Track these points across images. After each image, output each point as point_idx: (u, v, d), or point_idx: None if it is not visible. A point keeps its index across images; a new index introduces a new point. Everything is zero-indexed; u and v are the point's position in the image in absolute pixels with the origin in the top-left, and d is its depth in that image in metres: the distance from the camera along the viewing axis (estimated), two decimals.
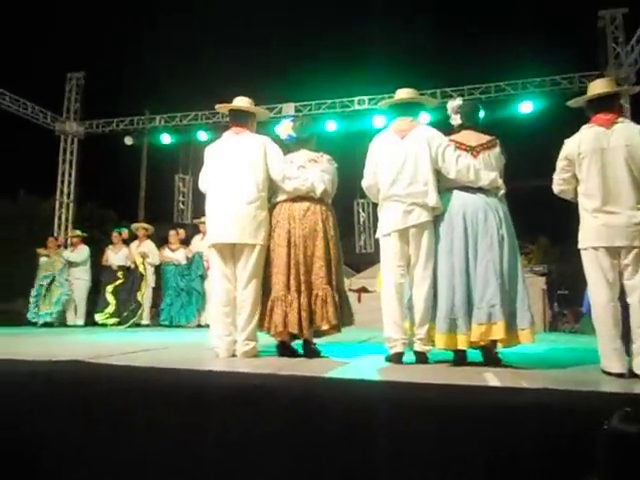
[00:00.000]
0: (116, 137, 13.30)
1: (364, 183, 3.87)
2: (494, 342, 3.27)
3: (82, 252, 9.40)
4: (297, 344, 3.82)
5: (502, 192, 3.63)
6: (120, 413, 2.40)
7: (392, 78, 12.02)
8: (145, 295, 8.96)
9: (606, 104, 3.29)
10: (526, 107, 11.03)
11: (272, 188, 3.90)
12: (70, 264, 9.22)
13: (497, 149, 3.75)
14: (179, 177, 13.05)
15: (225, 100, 4.18)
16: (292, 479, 2.18)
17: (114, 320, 8.82)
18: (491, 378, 2.69)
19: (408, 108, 3.93)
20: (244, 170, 3.77)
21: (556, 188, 3.49)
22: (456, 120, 3.89)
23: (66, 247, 10.23)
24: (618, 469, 1.53)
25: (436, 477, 2.04)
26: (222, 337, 3.66)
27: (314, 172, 3.83)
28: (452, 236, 3.41)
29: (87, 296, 9.37)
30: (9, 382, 2.56)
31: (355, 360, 3.74)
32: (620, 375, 2.90)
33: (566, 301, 11.44)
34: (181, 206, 13.06)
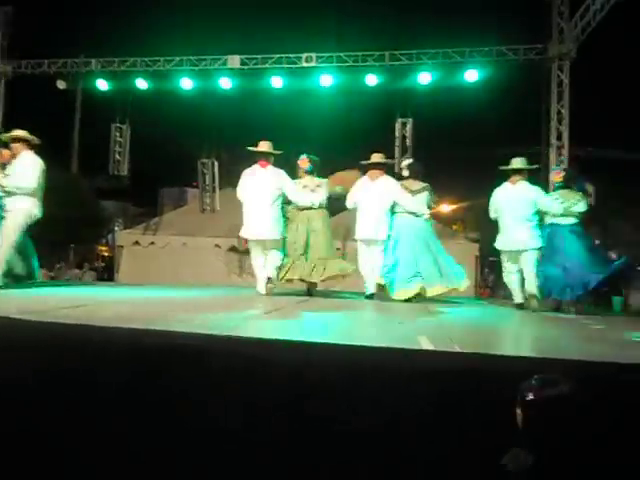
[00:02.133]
0: (48, 80, 12.48)
1: (349, 204, 6.45)
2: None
3: None
4: None
5: (426, 216, 6.27)
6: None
7: (342, 37, 11.82)
8: None
9: (518, 172, 5.93)
10: (471, 75, 11.13)
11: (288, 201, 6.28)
12: None
13: (426, 192, 6.31)
14: (116, 126, 12.42)
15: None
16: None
17: None
18: (425, 342, 2.74)
19: (378, 165, 6.44)
20: (268, 192, 5.95)
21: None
22: (405, 172, 6.51)
23: None
24: (537, 435, 1.59)
25: (369, 439, 2.07)
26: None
27: (315, 194, 6.29)
28: (406, 235, 6.09)
29: None
30: None
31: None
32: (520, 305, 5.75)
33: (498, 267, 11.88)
34: (117, 157, 12.49)
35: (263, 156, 6.04)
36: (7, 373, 2.37)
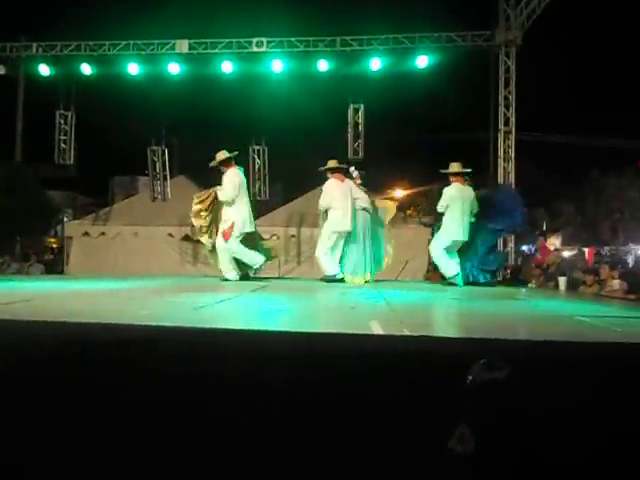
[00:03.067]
0: None
1: (323, 204, 7.03)
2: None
3: None
4: None
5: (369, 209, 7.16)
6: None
7: (293, 22, 11.73)
8: None
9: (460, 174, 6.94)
10: (422, 61, 11.26)
11: None
12: None
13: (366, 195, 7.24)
14: (60, 113, 11.99)
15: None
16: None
17: None
18: (376, 326, 2.78)
19: (340, 169, 7.19)
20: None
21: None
22: (357, 180, 7.24)
23: None
24: (483, 417, 1.64)
25: (324, 426, 2.10)
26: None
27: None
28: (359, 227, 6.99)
29: None
30: None
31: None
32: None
33: None
34: (62, 145, 12.07)
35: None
36: None
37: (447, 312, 4.18)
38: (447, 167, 7.02)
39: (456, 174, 6.93)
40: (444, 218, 6.89)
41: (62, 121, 12.00)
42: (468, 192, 6.93)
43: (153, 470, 2.14)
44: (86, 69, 11.63)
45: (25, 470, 2.18)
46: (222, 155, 6.77)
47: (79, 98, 11.95)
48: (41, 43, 11.83)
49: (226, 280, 6.60)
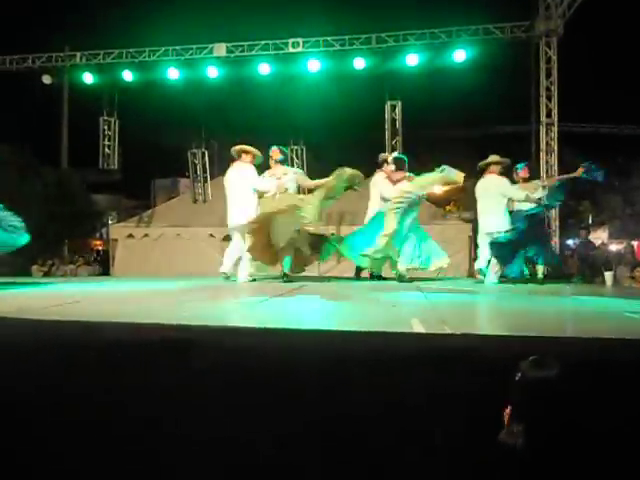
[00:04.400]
0: (33, 75, 12.36)
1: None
2: None
3: None
4: None
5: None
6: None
7: (329, 21, 11.73)
8: None
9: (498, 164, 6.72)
10: (460, 55, 11.09)
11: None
12: None
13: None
14: (104, 119, 12.34)
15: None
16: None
17: None
18: (417, 324, 2.77)
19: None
20: None
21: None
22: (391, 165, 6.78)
23: None
24: (534, 414, 1.62)
25: (366, 426, 2.10)
26: None
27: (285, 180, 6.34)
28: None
29: None
30: None
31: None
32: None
33: None
34: (107, 150, 12.41)
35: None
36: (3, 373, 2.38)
37: (490, 309, 4.11)
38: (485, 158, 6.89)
39: (495, 164, 6.71)
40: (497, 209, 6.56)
41: (106, 127, 12.35)
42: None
43: (188, 460, 2.19)
44: (128, 76, 11.93)
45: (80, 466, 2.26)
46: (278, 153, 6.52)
47: (122, 104, 12.26)
48: (84, 52, 12.19)
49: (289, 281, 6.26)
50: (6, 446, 2.28)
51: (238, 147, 6.60)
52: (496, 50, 11.18)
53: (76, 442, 2.23)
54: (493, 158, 6.78)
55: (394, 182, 6.64)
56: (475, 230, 9.51)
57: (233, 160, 6.67)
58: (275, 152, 6.50)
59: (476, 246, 7.85)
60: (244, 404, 2.21)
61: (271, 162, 6.51)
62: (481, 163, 6.84)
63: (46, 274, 8.65)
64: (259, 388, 2.21)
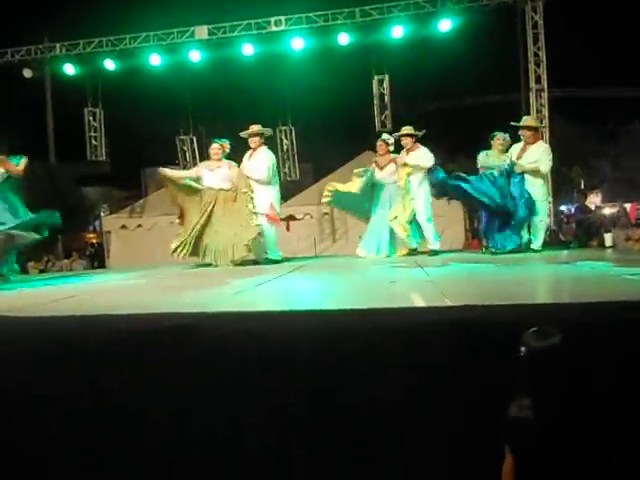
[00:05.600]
0: (13, 69, 12.14)
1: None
2: None
3: None
4: None
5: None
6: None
7: None
8: None
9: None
10: (445, 24, 10.94)
11: None
12: None
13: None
14: (88, 110, 12.16)
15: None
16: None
17: None
18: (417, 299, 2.74)
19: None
20: None
21: None
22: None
23: None
24: (540, 386, 1.60)
25: (363, 402, 2.08)
26: None
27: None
28: None
29: None
30: None
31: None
32: None
33: None
34: (94, 142, 12.25)
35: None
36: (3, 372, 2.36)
37: (490, 280, 4.09)
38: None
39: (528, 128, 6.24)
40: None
41: (91, 118, 12.17)
42: None
43: (198, 448, 2.18)
44: (109, 64, 11.73)
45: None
46: (257, 128, 6.62)
47: (106, 94, 12.08)
48: (64, 43, 11.95)
49: (276, 261, 6.51)
50: (8, 443, 2.27)
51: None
52: (482, 18, 11.04)
53: (79, 437, 2.21)
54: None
55: (380, 167, 6.78)
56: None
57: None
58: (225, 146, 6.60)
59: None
60: (247, 388, 2.19)
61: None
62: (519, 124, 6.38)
63: (42, 271, 8.59)
64: (261, 372, 2.18)
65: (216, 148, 6.51)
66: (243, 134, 6.63)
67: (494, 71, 11.76)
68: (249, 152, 6.65)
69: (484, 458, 1.83)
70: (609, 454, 1.69)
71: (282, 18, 11.30)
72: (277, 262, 6.48)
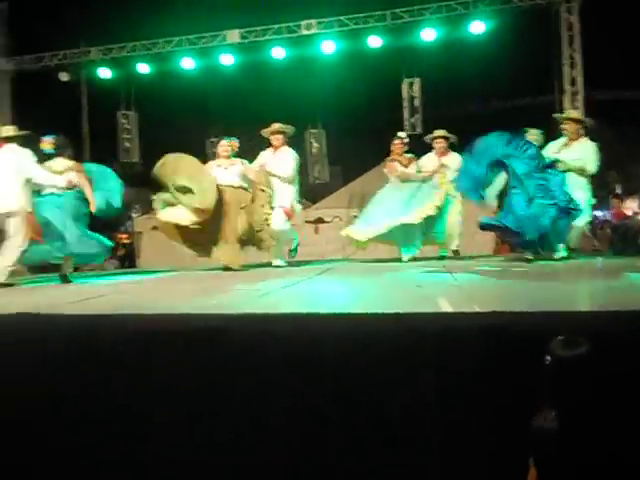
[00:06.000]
0: (50, 73, 12.45)
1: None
2: None
3: None
4: None
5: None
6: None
7: (342, 0, 11.52)
8: None
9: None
10: (478, 27, 10.82)
11: None
12: None
13: None
14: (122, 114, 12.40)
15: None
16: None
17: None
18: (444, 304, 2.71)
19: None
20: None
21: None
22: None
23: None
24: (566, 396, 1.55)
25: (387, 409, 2.06)
26: None
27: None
28: None
29: None
30: None
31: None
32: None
33: None
34: (127, 144, 12.48)
35: None
36: (37, 369, 2.40)
37: (519, 286, 4.01)
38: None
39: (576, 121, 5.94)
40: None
41: (125, 121, 12.40)
42: None
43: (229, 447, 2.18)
44: (143, 68, 11.94)
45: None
46: (279, 126, 6.55)
47: (139, 97, 12.29)
48: (99, 47, 12.21)
49: (278, 266, 6.45)
50: (40, 444, 2.31)
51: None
52: (515, 19, 10.86)
53: (106, 435, 2.24)
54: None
55: (405, 166, 6.68)
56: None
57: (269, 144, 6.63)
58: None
59: None
60: (273, 390, 2.19)
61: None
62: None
63: (75, 269, 8.75)
64: (287, 374, 2.18)
65: (225, 145, 6.47)
66: (265, 132, 6.56)
67: (527, 74, 11.54)
68: (271, 150, 6.56)
69: (511, 467, 1.79)
70: (637, 469, 1.63)
71: (313, 22, 11.32)
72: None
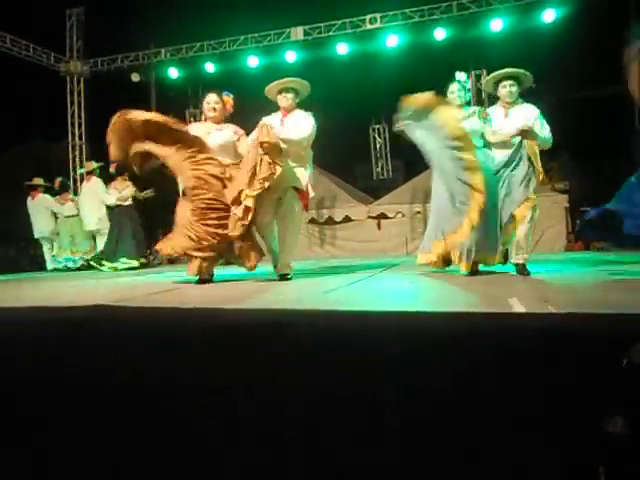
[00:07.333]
0: (123, 74, 12.99)
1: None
2: None
3: None
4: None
5: None
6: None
7: None
8: None
9: None
10: (549, 15, 10.43)
11: None
12: None
13: None
14: (189, 112, 12.78)
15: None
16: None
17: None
18: (516, 304, 2.62)
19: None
20: None
21: None
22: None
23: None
24: (631, 402, 1.47)
25: (454, 410, 2.02)
26: None
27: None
28: None
29: None
30: (17, 334, 2.53)
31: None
32: None
33: None
34: None
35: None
36: (112, 360, 2.50)
37: (598, 286, 3.83)
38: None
39: None
40: None
41: (192, 119, 12.73)
42: None
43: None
44: (210, 67, 12.23)
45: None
46: (290, 80, 4.98)
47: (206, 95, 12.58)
48: (168, 48, 12.61)
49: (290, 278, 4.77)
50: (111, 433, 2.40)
51: None
52: (589, 4, 10.35)
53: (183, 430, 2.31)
54: None
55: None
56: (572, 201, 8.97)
57: None
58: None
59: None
60: (338, 387, 2.19)
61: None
62: None
63: (145, 265, 9.13)
64: (351, 370, 2.17)
65: (213, 102, 4.84)
66: (271, 88, 4.97)
67: (604, 62, 11.00)
68: (277, 114, 4.91)
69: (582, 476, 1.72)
70: None
71: (377, 16, 11.23)
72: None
